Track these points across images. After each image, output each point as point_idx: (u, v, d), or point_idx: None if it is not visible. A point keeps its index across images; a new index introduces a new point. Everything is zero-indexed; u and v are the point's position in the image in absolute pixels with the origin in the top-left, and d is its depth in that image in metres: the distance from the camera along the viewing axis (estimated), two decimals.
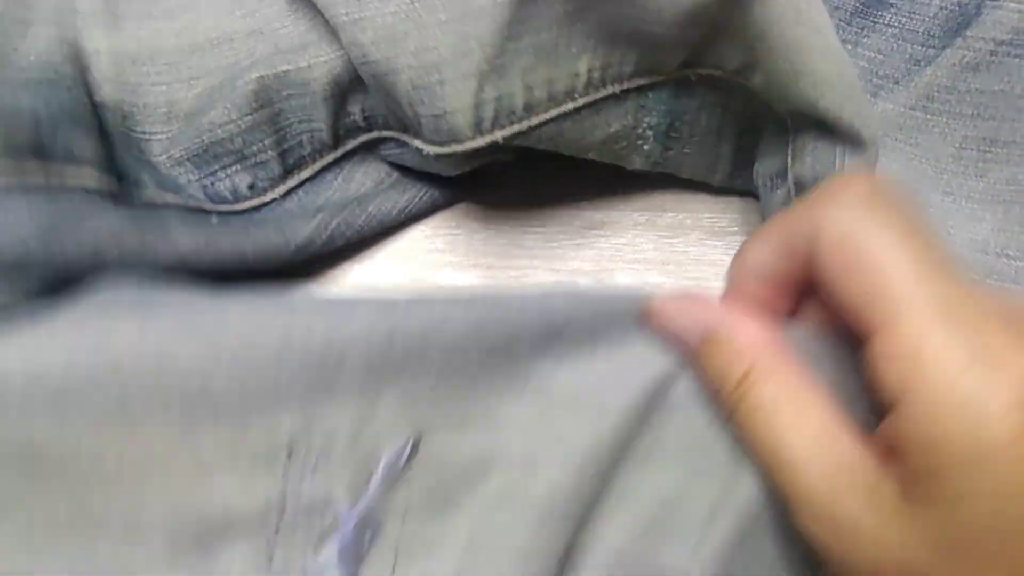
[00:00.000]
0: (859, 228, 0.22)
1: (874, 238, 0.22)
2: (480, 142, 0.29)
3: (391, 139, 0.32)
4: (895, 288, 0.21)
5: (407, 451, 0.24)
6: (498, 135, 0.28)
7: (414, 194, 0.33)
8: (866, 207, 0.22)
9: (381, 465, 0.24)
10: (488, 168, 0.31)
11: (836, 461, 0.22)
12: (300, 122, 0.31)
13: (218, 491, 0.23)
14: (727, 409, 0.24)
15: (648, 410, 0.25)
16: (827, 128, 0.27)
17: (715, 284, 0.32)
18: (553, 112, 0.29)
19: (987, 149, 0.31)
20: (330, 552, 0.24)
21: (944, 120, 0.31)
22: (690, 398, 0.25)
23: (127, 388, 0.22)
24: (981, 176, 0.31)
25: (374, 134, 0.32)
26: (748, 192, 0.34)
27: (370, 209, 0.33)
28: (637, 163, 0.32)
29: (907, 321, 0.21)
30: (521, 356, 0.24)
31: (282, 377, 0.23)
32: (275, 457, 0.24)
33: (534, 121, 0.29)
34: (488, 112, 0.28)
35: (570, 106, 0.29)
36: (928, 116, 0.31)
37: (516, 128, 0.29)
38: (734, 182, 0.33)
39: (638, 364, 0.25)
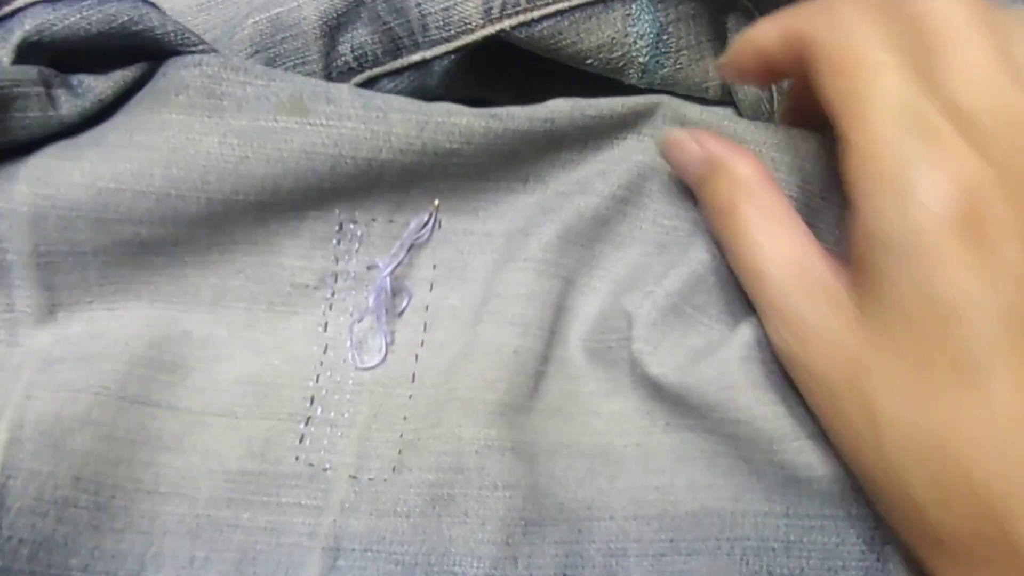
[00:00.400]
0: (852, 31, 0.24)
1: (862, 39, 0.23)
2: (490, 30, 0.30)
3: (384, 76, 0.32)
4: (870, 87, 0.23)
5: (431, 220, 0.30)
6: (506, 23, 0.30)
7: None
8: (861, 13, 0.24)
9: (409, 228, 0.29)
10: None
11: (802, 271, 0.24)
12: (295, 66, 0.31)
13: (286, 265, 0.29)
14: (721, 225, 0.27)
15: (626, 197, 0.30)
16: None
17: None
18: (552, 8, 0.30)
19: None
20: (370, 316, 0.29)
21: None
22: (662, 191, 0.30)
23: (212, 196, 0.27)
24: None
25: (365, 74, 0.32)
26: None
27: None
28: (633, 77, 0.33)
29: (872, 118, 0.22)
30: (526, 159, 0.30)
31: (336, 182, 0.28)
32: (328, 236, 0.29)
33: (536, 14, 0.30)
34: (496, 1, 0.29)
35: (565, 4, 0.31)
36: None
37: (521, 18, 0.30)
38: (725, 94, 0.34)
39: (620, 160, 0.30)
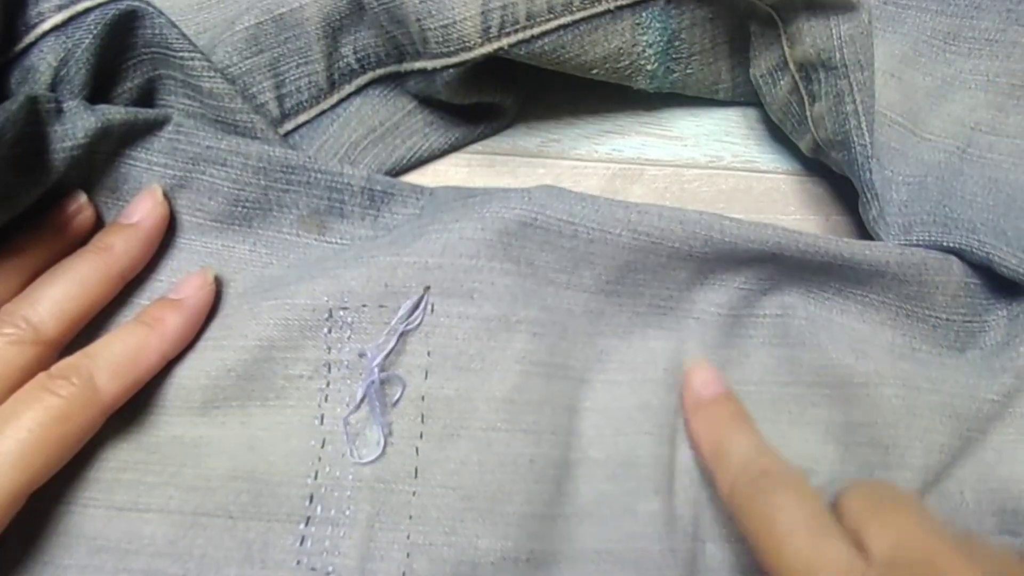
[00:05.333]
0: None
1: None
2: (488, 48, 0.30)
3: (387, 77, 0.33)
4: None
5: (421, 304, 0.29)
6: (504, 42, 0.30)
7: (409, 147, 0.34)
8: None
9: (398, 315, 0.29)
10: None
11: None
12: (298, 66, 0.32)
13: (277, 358, 0.29)
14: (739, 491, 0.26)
15: (618, 290, 0.31)
16: (815, 3, 0.30)
17: None
18: (553, 23, 0.31)
19: (951, 42, 0.35)
20: (365, 407, 0.28)
21: (913, 14, 0.35)
22: (655, 273, 0.31)
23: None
24: (949, 64, 0.35)
25: (368, 75, 0.33)
26: (748, 195, 0.36)
27: (362, 163, 0.33)
28: (642, 83, 0.34)
29: None
30: (511, 242, 0.29)
31: (331, 275, 0.29)
32: (319, 324, 0.29)
33: (536, 31, 0.31)
34: (495, 20, 0.30)
35: (568, 19, 0.31)
36: (899, 10, 0.35)
37: (520, 36, 0.30)
38: (736, 95, 0.35)
39: (607, 244, 0.30)
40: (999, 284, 0.31)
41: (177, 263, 0.30)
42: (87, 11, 0.28)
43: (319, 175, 0.30)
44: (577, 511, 0.28)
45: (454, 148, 0.35)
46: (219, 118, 0.30)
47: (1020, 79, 0.33)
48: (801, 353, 0.31)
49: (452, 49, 0.30)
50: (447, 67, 0.31)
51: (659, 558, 0.28)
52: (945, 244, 0.31)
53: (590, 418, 0.30)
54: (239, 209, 0.30)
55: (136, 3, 0.29)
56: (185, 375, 0.28)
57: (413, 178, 0.35)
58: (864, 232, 0.34)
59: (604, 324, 0.30)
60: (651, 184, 0.37)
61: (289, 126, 0.33)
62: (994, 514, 0.28)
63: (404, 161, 0.34)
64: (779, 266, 0.31)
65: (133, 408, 0.28)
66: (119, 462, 0.27)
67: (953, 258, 0.31)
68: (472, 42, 0.30)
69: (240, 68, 0.31)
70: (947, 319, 0.31)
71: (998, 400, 0.30)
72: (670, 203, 0.36)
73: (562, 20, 0.31)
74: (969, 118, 0.33)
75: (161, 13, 0.29)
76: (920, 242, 0.32)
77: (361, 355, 0.29)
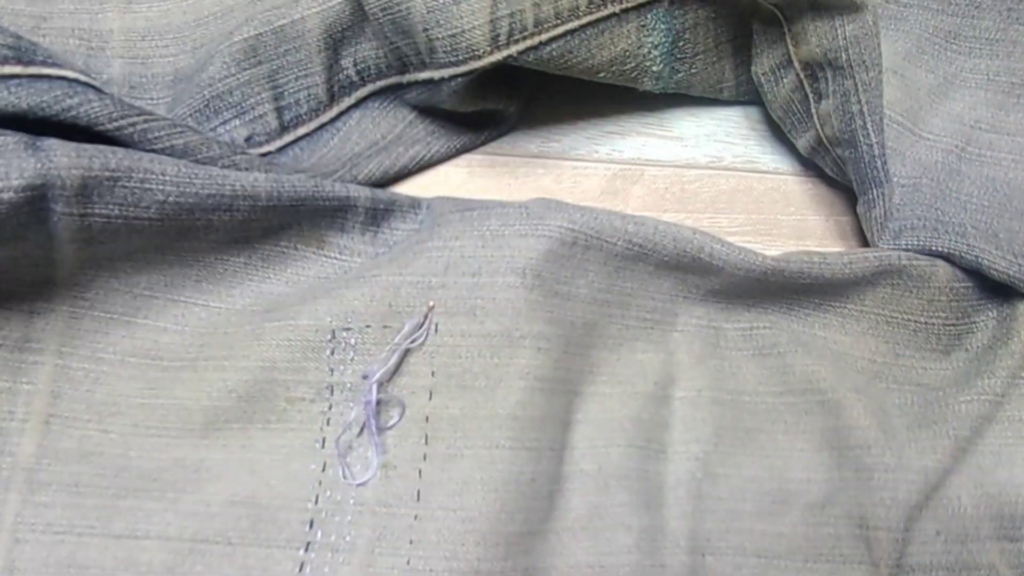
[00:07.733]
0: None
1: None
2: (497, 56, 0.30)
3: (386, 89, 0.32)
4: None
5: (425, 323, 0.29)
6: (513, 49, 0.30)
7: (411, 156, 0.34)
8: None
9: (401, 333, 0.28)
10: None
11: None
12: (298, 78, 0.32)
13: (279, 380, 0.28)
14: None
15: (608, 299, 0.31)
16: (819, 3, 0.30)
17: None
18: (560, 29, 0.31)
19: (952, 41, 0.36)
20: (367, 429, 0.28)
21: (915, 12, 0.35)
22: (641, 284, 0.31)
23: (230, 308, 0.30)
24: (950, 63, 0.35)
25: (368, 88, 0.33)
26: (749, 195, 0.36)
27: (365, 171, 0.33)
28: (647, 84, 0.34)
29: None
30: (513, 255, 0.29)
31: (334, 296, 0.29)
32: (321, 345, 0.29)
33: (544, 37, 0.30)
34: (503, 27, 0.30)
35: (575, 24, 0.31)
36: (901, 8, 0.35)
37: (528, 43, 0.30)
38: (740, 94, 0.35)
39: (599, 251, 0.30)
40: (989, 285, 0.32)
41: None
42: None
43: (326, 201, 0.30)
44: (570, 525, 0.29)
45: (457, 155, 0.35)
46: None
47: (1020, 77, 0.34)
48: (791, 361, 0.31)
49: (461, 58, 0.30)
50: (455, 76, 0.30)
51: (650, 572, 0.28)
52: (934, 249, 0.32)
53: (581, 430, 0.30)
54: (240, 233, 0.29)
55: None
56: (186, 396, 0.28)
57: (413, 180, 0.35)
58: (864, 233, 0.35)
59: (596, 336, 0.31)
60: (651, 184, 0.37)
61: (289, 139, 0.32)
62: (992, 519, 0.29)
63: (407, 170, 0.34)
64: (762, 287, 0.31)
65: (133, 431, 0.28)
66: (120, 489, 0.27)
67: (939, 262, 0.32)
68: (481, 50, 0.30)
69: (238, 79, 0.31)
70: (926, 323, 0.32)
71: (988, 399, 0.30)
72: (671, 203, 0.36)
73: (569, 25, 0.30)
74: (969, 116, 0.34)
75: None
76: (909, 247, 0.32)
77: (364, 377, 0.29)
